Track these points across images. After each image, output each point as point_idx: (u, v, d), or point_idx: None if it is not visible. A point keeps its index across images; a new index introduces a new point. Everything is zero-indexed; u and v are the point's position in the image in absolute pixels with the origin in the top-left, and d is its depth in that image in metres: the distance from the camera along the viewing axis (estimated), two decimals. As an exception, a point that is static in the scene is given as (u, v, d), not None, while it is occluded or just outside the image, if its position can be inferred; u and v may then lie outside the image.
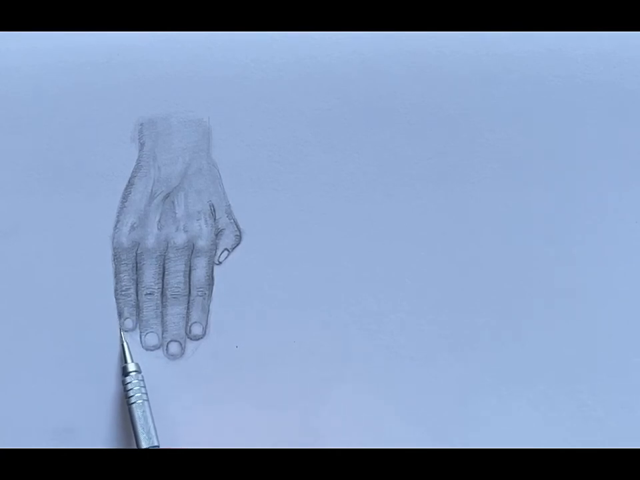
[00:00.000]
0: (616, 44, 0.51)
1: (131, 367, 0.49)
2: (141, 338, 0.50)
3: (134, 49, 0.50)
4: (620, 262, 0.51)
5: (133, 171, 0.50)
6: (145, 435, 0.48)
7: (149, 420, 0.49)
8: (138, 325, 0.50)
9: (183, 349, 0.50)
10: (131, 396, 0.49)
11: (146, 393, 0.49)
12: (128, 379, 0.49)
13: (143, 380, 0.49)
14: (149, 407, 0.49)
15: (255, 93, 0.50)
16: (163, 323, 0.50)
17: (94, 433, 0.50)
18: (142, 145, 0.51)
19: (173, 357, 0.50)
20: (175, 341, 0.50)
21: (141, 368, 0.50)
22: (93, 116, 0.50)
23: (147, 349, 0.50)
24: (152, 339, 0.50)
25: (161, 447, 0.48)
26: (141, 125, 0.51)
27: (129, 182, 0.50)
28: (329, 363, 0.50)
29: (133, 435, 0.48)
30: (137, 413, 0.48)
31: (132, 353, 0.50)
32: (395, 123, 0.51)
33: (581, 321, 0.51)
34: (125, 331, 0.50)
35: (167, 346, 0.50)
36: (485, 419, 0.50)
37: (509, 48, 0.51)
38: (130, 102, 0.50)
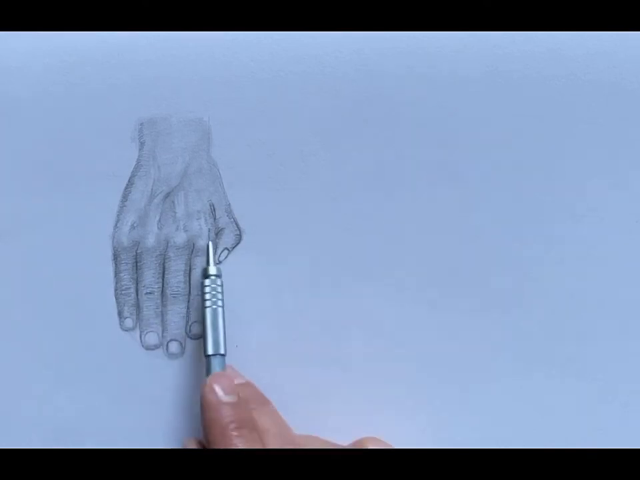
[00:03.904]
0: (616, 44, 0.51)
1: (212, 270, 0.49)
2: (140, 337, 0.50)
3: (134, 48, 0.50)
4: (620, 261, 0.51)
5: (133, 171, 0.50)
6: (211, 341, 0.47)
7: (219, 327, 0.48)
8: (138, 324, 0.50)
9: (183, 348, 0.51)
10: (206, 299, 0.48)
11: (222, 299, 0.48)
12: (207, 281, 0.48)
13: (221, 286, 0.48)
14: (223, 314, 0.48)
15: (255, 92, 0.50)
16: (163, 323, 0.51)
17: (94, 433, 0.50)
18: (142, 144, 0.51)
19: (173, 356, 0.50)
20: (175, 340, 0.50)
21: (143, 365, 0.50)
22: (93, 116, 0.50)
23: (147, 349, 0.50)
24: (152, 338, 0.50)
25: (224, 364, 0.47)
26: (141, 124, 0.51)
27: (129, 181, 0.50)
28: (329, 363, 0.50)
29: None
30: (208, 318, 0.48)
31: (133, 349, 0.50)
32: (395, 123, 0.51)
33: (581, 321, 0.51)
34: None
35: (167, 345, 0.50)
36: (484, 418, 0.50)
37: (509, 48, 0.51)
38: (130, 102, 0.50)
